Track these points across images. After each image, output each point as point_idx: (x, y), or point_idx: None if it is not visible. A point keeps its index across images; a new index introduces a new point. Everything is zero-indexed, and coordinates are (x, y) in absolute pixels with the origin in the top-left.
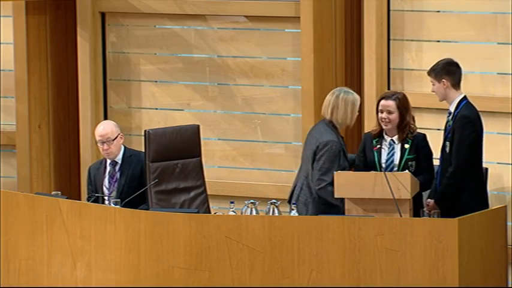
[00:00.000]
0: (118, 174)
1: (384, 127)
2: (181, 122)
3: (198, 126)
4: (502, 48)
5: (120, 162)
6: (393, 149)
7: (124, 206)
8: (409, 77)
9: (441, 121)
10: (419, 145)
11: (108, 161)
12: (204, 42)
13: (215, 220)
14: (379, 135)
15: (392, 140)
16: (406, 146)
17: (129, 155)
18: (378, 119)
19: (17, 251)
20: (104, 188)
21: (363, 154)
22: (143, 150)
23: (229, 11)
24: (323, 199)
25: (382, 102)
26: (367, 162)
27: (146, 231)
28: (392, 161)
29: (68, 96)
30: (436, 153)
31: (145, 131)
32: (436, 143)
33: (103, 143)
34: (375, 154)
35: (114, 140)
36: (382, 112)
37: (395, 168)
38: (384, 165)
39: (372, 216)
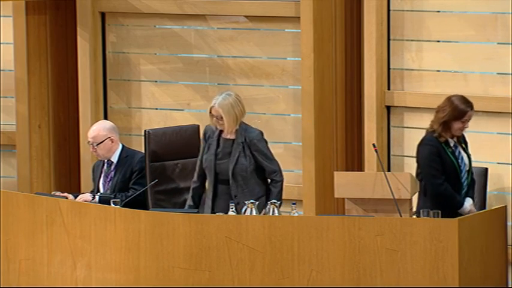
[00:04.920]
0: (112, 174)
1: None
2: (181, 122)
3: (198, 126)
4: (502, 48)
5: (115, 162)
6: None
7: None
8: (409, 77)
9: None
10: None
11: (106, 160)
12: (204, 42)
13: (215, 220)
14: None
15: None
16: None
17: (126, 155)
18: None
19: (17, 251)
20: (100, 187)
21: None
22: (142, 151)
23: (229, 11)
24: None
25: None
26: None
27: (146, 231)
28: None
29: (68, 96)
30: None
31: (145, 131)
32: None
33: (90, 144)
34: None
35: (99, 144)
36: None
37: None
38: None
39: (372, 216)
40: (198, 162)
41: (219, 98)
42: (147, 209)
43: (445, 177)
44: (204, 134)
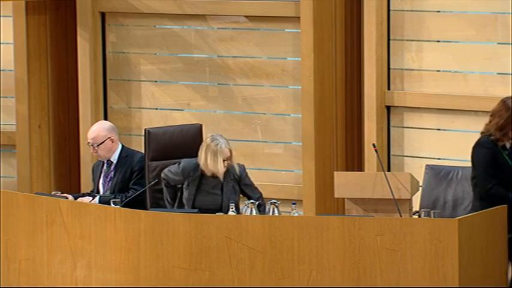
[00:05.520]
0: (112, 174)
1: None
2: (181, 122)
3: (200, 126)
4: (502, 48)
5: (115, 162)
6: None
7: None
8: (409, 77)
9: (441, 121)
10: None
11: (106, 160)
12: (204, 42)
13: (215, 220)
14: None
15: None
16: None
17: (125, 155)
18: None
19: (17, 251)
20: (100, 187)
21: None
22: (141, 150)
23: (229, 11)
24: None
25: None
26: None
27: (146, 231)
28: None
29: (68, 96)
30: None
31: (145, 129)
32: (435, 144)
33: (90, 145)
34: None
35: (100, 144)
36: None
37: None
38: None
39: (372, 216)
40: (175, 177)
41: (220, 140)
42: (147, 209)
43: (501, 180)
44: (183, 171)
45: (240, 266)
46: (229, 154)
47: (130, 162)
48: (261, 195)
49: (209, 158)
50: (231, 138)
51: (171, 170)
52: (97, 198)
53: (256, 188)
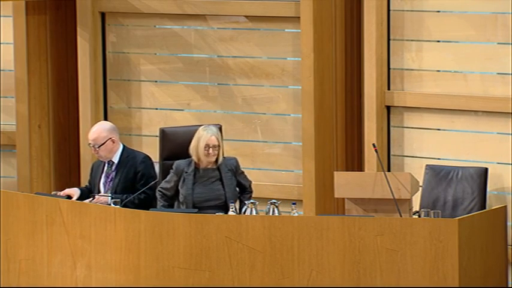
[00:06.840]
0: (113, 174)
1: None
2: (181, 122)
3: (220, 127)
4: (502, 48)
5: (116, 162)
6: None
7: (123, 206)
8: (409, 77)
9: (441, 121)
10: None
11: (106, 160)
12: (204, 42)
13: (215, 220)
14: None
15: None
16: None
17: (127, 155)
18: None
19: (17, 251)
20: (101, 186)
21: None
22: (146, 150)
23: (229, 11)
24: None
25: None
26: None
27: (146, 231)
28: None
29: (68, 96)
30: (433, 154)
31: (160, 129)
32: (435, 144)
33: (92, 146)
34: None
35: (101, 145)
36: None
37: None
38: None
39: (372, 216)
40: (170, 183)
41: (211, 129)
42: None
43: None
44: (177, 169)
45: (240, 266)
46: (216, 142)
47: (133, 163)
48: (251, 182)
49: (198, 143)
50: (231, 138)
51: (166, 180)
52: (109, 199)
53: (246, 176)
